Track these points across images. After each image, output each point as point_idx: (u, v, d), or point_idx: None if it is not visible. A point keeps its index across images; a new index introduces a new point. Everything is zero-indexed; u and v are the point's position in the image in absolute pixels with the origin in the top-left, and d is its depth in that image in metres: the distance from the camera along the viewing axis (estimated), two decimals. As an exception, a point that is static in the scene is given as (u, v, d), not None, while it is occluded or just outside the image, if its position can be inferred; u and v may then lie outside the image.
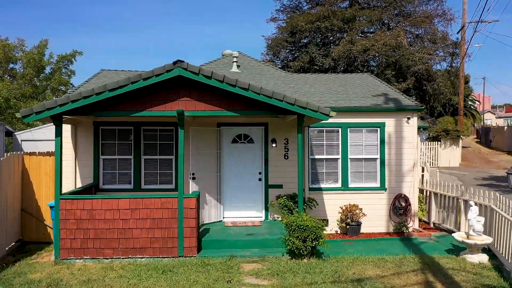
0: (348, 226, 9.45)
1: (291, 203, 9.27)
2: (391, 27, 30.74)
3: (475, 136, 42.67)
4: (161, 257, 7.55)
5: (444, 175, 19.35)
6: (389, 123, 10.08)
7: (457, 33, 31.92)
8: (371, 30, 31.24)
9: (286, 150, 9.90)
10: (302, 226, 7.34)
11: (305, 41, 29.93)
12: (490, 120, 61.51)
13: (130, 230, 7.53)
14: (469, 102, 41.97)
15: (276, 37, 30.72)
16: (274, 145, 9.78)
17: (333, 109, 7.99)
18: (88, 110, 7.59)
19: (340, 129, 10.06)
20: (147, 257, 7.55)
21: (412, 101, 10.44)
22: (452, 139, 25.77)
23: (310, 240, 7.29)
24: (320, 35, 29.69)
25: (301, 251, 7.32)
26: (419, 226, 10.18)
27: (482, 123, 51.20)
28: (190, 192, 8.84)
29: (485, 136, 37.83)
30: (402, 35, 28.30)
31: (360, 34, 29.99)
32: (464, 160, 27.40)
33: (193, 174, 9.07)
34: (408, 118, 10.05)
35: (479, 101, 53.20)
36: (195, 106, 7.73)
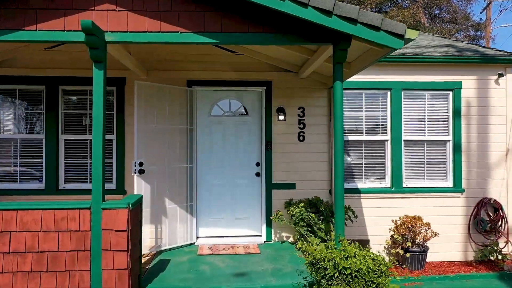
0: (407, 254, 5.57)
1: (312, 214, 5.39)
2: (403, 7, 27.15)
3: None
4: (56, 333, 3.65)
5: None
6: (468, 83, 6.21)
7: (480, 12, 28.38)
8: (385, 10, 27.64)
9: (302, 126, 6.01)
10: (349, 272, 3.46)
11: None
12: None
13: (-9, 277, 3.63)
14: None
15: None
16: (281, 117, 5.89)
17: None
18: None
19: (389, 93, 6.18)
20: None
21: (501, 50, 6.57)
22: None
23: (365, 300, 3.44)
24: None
25: (346, 322, 3.45)
26: (514, 250, 6.33)
27: None
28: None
29: None
30: (421, 13, 24.72)
31: (373, 11, 26.25)
32: None
33: (140, 164, 5.16)
34: (499, 76, 6.18)
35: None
36: (128, 22, 3.82)
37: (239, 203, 6.05)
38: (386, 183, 6.17)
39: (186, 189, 5.77)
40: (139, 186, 5.14)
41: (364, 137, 6.16)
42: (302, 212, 5.36)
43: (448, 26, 27.45)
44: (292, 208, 5.49)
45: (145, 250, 5.23)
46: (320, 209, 5.51)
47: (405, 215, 5.87)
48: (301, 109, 6.01)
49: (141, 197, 4.16)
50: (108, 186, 5.78)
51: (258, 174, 6.03)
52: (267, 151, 5.94)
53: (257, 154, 6.06)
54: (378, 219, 6.02)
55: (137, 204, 4.02)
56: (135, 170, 5.09)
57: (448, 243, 6.09)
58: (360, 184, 6.15)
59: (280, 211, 5.73)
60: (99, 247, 3.69)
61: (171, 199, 5.55)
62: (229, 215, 6.05)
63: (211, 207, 6.02)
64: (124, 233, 3.70)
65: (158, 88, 5.44)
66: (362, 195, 6.06)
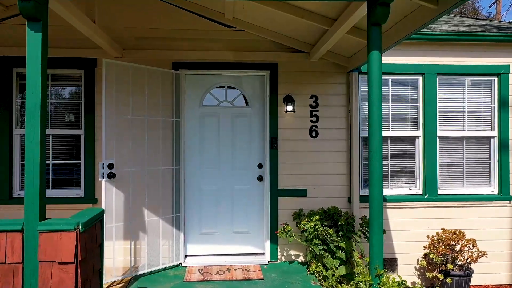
0: (448, 278, 4.43)
1: (330, 230, 4.27)
2: None
3: None
4: None
5: None
6: (517, 67, 5.10)
7: (490, 6, 27.25)
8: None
9: (314, 119, 4.88)
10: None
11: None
12: None
13: None
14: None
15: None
16: (289, 108, 4.77)
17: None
18: None
19: (420, 79, 5.06)
20: None
21: (554, 27, 5.46)
22: None
23: None
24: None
25: None
26: None
27: None
28: (103, 206, 3.83)
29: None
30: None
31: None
32: None
33: (110, 166, 4.02)
34: (556, 57, 5.07)
35: None
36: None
37: (238, 213, 4.93)
38: (417, 189, 5.04)
39: (172, 197, 4.64)
40: (108, 195, 4.01)
41: (389, 133, 5.04)
42: (317, 227, 4.24)
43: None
44: (304, 222, 4.36)
45: (116, 274, 4.10)
46: (339, 222, 4.38)
47: (442, 229, 4.75)
48: (314, 98, 4.88)
49: (101, 212, 3.02)
50: (75, 192, 4.66)
51: (260, 178, 4.91)
52: (271, 150, 4.81)
53: (260, 153, 4.94)
54: (408, 233, 4.90)
55: (94, 222, 2.89)
56: (102, 174, 3.95)
57: (494, 262, 4.97)
58: (385, 191, 5.02)
59: (288, 225, 4.60)
60: (34, 287, 2.56)
61: (152, 209, 4.43)
62: (225, 228, 4.92)
63: (202, 218, 4.89)
64: (70, 267, 2.56)
65: (135, 70, 4.31)
66: (388, 204, 4.93)
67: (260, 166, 4.92)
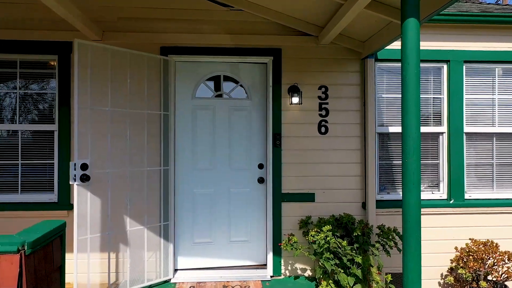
0: (480, 298, 3.81)
1: (343, 242, 3.64)
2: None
3: None
4: None
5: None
6: (555, 53, 4.45)
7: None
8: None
9: (323, 113, 4.25)
10: None
11: None
12: None
13: None
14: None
15: None
16: (295, 100, 4.13)
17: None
18: None
19: (445, 66, 4.43)
20: None
21: None
22: None
23: None
24: None
25: None
26: None
27: None
28: (75, 214, 3.21)
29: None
30: None
31: None
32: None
33: (83, 167, 3.39)
34: None
35: None
36: None
37: (236, 220, 4.30)
38: (441, 193, 4.41)
39: (159, 202, 4.02)
40: (81, 201, 3.38)
41: (410, 129, 4.40)
42: (328, 238, 3.61)
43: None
44: (313, 233, 3.73)
45: (91, 297, 3.47)
46: (354, 233, 3.76)
47: (471, 240, 4.12)
48: (323, 89, 4.25)
49: (62, 225, 2.39)
50: (48, 197, 4.04)
51: (261, 180, 4.28)
52: (275, 148, 4.18)
53: (261, 152, 4.31)
54: (431, 244, 4.27)
55: (51, 239, 2.26)
56: (74, 176, 3.32)
57: (529, 277, 4.34)
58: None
59: (293, 235, 3.97)
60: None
61: (135, 218, 3.80)
62: (221, 237, 4.30)
63: (195, 226, 4.26)
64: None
65: (115, 54, 3.69)
66: (408, 210, 4.29)
67: (261, 166, 4.30)
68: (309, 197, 4.22)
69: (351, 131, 4.26)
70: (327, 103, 4.24)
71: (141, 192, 3.83)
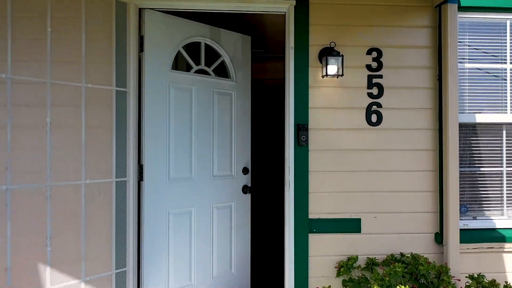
0: None
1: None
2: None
3: None
4: None
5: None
6: None
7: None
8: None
9: (375, 91, 2.68)
10: None
11: None
12: None
13: None
14: None
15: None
16: (331, 71, 2.55)
17: None
18: None
19: (562, 21, 2.86)
20: None
21: None
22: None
23: None
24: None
25: None
26: None
27: None
28: None
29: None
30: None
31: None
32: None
33: None
34: None
35: None
36: None
37: (221, 253, 2.72)
38: (556, 216, 2.86)
39: (111, 237, 2.42)
40: None
41: (507, 117, 2.85)
42: (403, 308, 2.04)
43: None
44: (362, 284, 2.16)
45: None
46: (430, 280, 2.19)
47: None
48: (374, 54, 2.69)
49: None
50: None
51: (246, 190, 2.69)
52: (298, 148, 2.61)
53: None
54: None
55: None
56: None
57: None
58: (499, 221, 2.83)
59: (333, 292, 2.40)
60: None
61: (63, 266, 2.21)
62: (218, 284, 2.72)
63: (171, 266, 2.67)
64: None
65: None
66: (508, 246, 2.74)
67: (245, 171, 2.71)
68: (351, 226, 2.66)
69: (418, 121, 2.70)
70: (380, 76, 2.68)
71: (75, 221, 2.24)
